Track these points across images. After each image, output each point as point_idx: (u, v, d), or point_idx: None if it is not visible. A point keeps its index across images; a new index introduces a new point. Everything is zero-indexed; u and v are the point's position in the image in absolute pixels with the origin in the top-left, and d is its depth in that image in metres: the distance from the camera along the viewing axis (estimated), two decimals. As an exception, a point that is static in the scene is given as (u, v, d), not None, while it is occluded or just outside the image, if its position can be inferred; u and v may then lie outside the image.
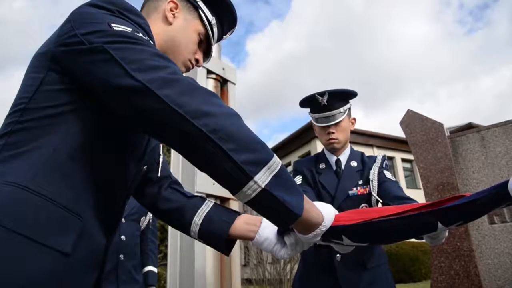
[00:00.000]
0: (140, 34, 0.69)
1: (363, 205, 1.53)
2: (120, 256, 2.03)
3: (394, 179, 1.56)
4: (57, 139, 0.64)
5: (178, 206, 0.93)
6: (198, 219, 0.89)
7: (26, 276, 0.54)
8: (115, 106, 0.66)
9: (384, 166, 1.59)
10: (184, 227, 0.91)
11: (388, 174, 1.56)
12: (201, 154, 0.62)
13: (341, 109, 1.60)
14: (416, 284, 9.67)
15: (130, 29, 0.67)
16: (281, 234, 0.82)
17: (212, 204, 0.92)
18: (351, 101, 1.69)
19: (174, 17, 0.88)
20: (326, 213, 0.73)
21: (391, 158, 16.78)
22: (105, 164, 0.71)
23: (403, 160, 17.08)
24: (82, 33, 0.64)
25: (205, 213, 0.89)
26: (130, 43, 0.64)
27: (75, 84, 0.67)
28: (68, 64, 0.67)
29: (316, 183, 1.60)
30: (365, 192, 1.53)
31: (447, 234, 1.22)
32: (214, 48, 1.94)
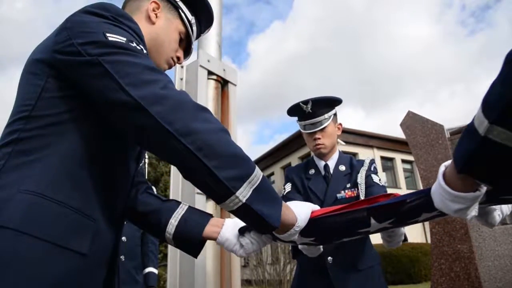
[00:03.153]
0: (134, 44, 0.72)
1: None
2: (120, 257, 2.04)
3: (381, 184, 1.59)
4: (65, 145, 0.67)
5: (154, 209, 0.94)
6: (174, 220, 0.91)
7: (52, 277, 0.59)
8: (111, 117, 0.69)
9: (372, 169, 1.62)
10: (159, 229, 0.92)
11: (375, 178, 1.59)
12: (187, 168, 0.68)
13: (326, 116, 1.65)
14: (416, 285, 9.66)
15: (125, 39, 0.70)
16: (241, 234, 0.88)
17: (187, 207, 0.95)
18: (337, 107, 1.74)
19: (156, 17, 0.91)
20: (299, 213, 0.78)
21: (391, 159, 16.78)
22: (109, 165, 0.75)
23: (403, 161, 17.07)
24: (79, 43, 0.67)
25: (180, 215, 0.92)
26: (124, 55, 0.67)
27: (75, 90, 0.69)
28: (66, 72, 0.69)
29: (305, 189, 1.65)
30: (353, 195, 1.56)
31: (403, 237, 1.25)
32: (215, 49, 1.95)
